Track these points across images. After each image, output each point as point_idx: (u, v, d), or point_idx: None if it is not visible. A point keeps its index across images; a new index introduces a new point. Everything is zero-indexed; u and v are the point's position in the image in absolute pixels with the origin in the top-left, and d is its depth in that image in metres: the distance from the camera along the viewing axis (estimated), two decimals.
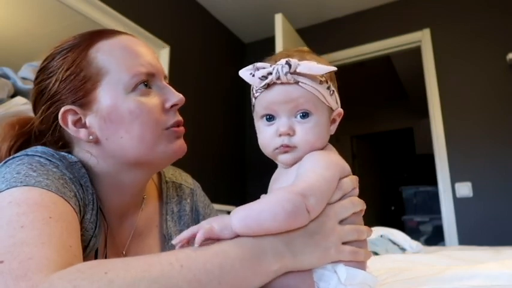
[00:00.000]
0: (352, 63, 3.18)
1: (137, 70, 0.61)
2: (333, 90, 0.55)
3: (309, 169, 0.50)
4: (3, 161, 0.55)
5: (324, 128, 0.54)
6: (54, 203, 0.49)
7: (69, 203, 0.52)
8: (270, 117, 0.54)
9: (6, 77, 1.32)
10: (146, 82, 0.62)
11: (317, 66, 0.51)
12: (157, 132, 0.62)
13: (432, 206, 3.92)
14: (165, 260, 0.40)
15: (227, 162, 3.23)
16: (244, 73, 0.53)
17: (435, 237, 3.69)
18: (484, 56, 2.62)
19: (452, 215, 2.54)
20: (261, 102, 0.54)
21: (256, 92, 0.55)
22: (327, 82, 0.54)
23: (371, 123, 5.39)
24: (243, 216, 0.44)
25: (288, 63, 0.50)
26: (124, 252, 0.67)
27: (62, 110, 0.60)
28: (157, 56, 0.70)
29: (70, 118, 0.61)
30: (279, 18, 2.56)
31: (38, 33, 1.79)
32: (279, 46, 2.49)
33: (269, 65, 0.52)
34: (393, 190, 5.03)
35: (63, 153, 0.61)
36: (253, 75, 0.52)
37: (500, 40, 2.58)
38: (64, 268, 0.39)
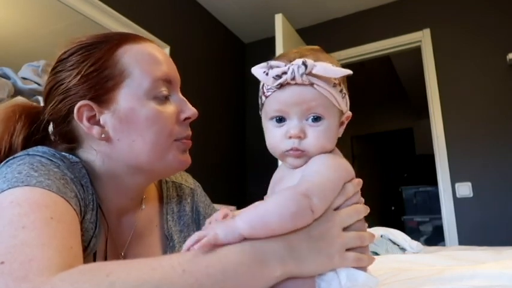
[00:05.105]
0: (352, 63, 3.17)
1: (158, 78, 0.63)
2: (345, 93, 0.53)
3: (314, 170, 0.50)
4: (5, 161, 0.55)
5: (334, 131, 0.53)
6: (55, 203, 0.49)
7: (69, 203, 0.52)
8: (280, 119, 0.52)
9: (6, 77, 1.32)
10: (165, 91, 0.64)
11: (333, 69, 0.49)
12: (168, 142, 0.63)
13: (432, 206, 3.92)
14: (167, 264, 0.40)
15: (227, 162, 3.23)
16: (258, 71, 0.51)
17: (435, 237, 3.70)
18: (484, 56, 2.62)
19: (452, 215, 2.54)
20: (272, 102, 0.52)
21: (268, 91, 0.52)
22: (340, 85, 0.52)
23: (371, 123, 5.38)
24: (249, 219, 0.43)
25: (304, 63, 0.48)
26: (123, 253, 0.67)
27: (79, 104, 0.60)
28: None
29: (85, 113, 0.61)
30: (279, 18, 2.56)
31: (38, 33, 1.79)
32: (279, 46, 2.49)
33: (283, 64, 0.50)
34: (393, 190, 5.03)
35: (64, 153, 0.61)
36: (267, 74, 0.50)
37: (500, 40, 2.58)
38: (65, 269, 0.39)
